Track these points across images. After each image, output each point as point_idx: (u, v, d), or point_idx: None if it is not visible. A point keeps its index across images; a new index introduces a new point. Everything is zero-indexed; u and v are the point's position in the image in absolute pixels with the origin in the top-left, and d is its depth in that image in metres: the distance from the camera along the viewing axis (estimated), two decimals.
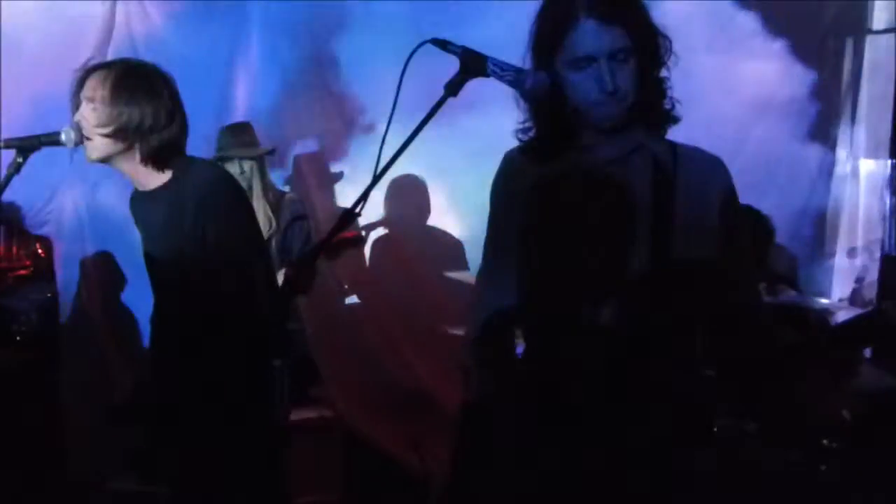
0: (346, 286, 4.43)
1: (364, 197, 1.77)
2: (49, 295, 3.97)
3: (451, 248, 4.38)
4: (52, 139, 2.32)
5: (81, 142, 2.34)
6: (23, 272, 3.93)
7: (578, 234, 1.75)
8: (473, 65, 1.75)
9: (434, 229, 4.45)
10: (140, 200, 2.52)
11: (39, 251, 3.97)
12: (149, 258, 2.54)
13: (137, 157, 2.39)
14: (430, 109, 1.73)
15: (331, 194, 4.44)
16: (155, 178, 2.44)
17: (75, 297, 4.11)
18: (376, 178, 1.75)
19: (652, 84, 1.81)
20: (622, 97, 1.77)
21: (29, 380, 3.77)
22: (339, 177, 4.46)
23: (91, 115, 2.34)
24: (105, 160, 2.42)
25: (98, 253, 4.17)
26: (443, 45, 1.78)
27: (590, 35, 1.75)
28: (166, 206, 2.43)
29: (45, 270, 4.00)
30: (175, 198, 2.41)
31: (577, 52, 1.77)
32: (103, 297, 4.16)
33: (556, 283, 1.77)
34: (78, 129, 2.34)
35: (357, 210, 1.77)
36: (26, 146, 2.26)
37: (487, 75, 1.75)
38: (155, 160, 2.40)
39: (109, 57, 4.07)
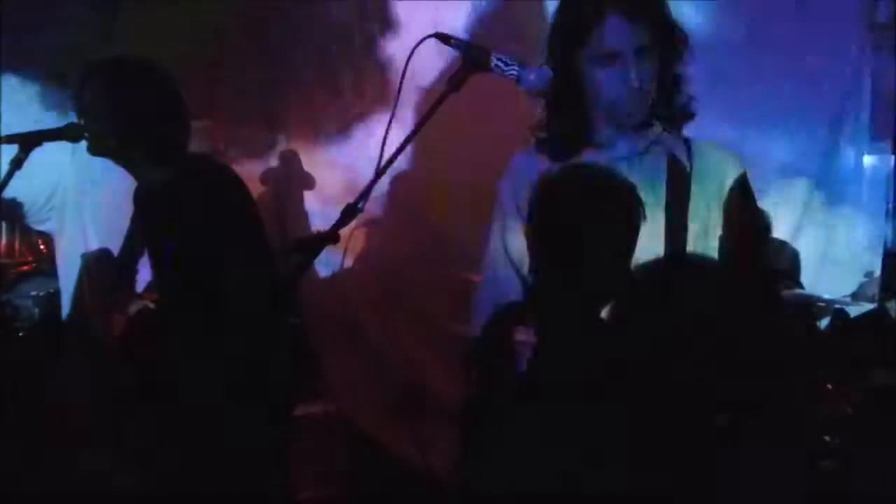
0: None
1: (366, 192, 1.76)
2: (51, 291, 3.97)
3: (454, 245, 4.36)
4: (54, 134, 2.32)
5: (84, 137, 2.34)
6: (25, 268, 3.92)
7: (591, 231, 1.75)
8: (476, 59, 1.75)
9: (437, 225, 4.43)
10: (144, 197, 2.52)
11: (41, 247, 3.97)
12: (152, 255, 2.54)
13: (140, 153, 2.39)
14: (433, 104, 1.73)
15: (301, 194, 4.47)
16: (158, 175, 2.44)
17: (74, 294, 4.11)
18: (379, 174, 1.75)
19: (670, 80, 1.81)
20: (646, 93, 1.77)
21: (31, 375, 3.77)
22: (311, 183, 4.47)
23: (93, 110, 2.34)
24: (107, 156, 2.41)
25: (99, 250, 4.16)
26: (445, 39, 1.77)
27: (616, 30, 1.75)
28: (170, 204, 2.42)
29: (47, 266, 4.00)
30: (178, 195, 2.41)
31: (603, 47, 1.76)
32: (104, 294, 4.15)
33: (566, 279, 1.77)
34: (80, 124, 2.34)
35: (359, 206, 1.77)
36: (28, 142, 2.26)
37: (490, 70, 1.75)
38: (158, 156, 2.40)
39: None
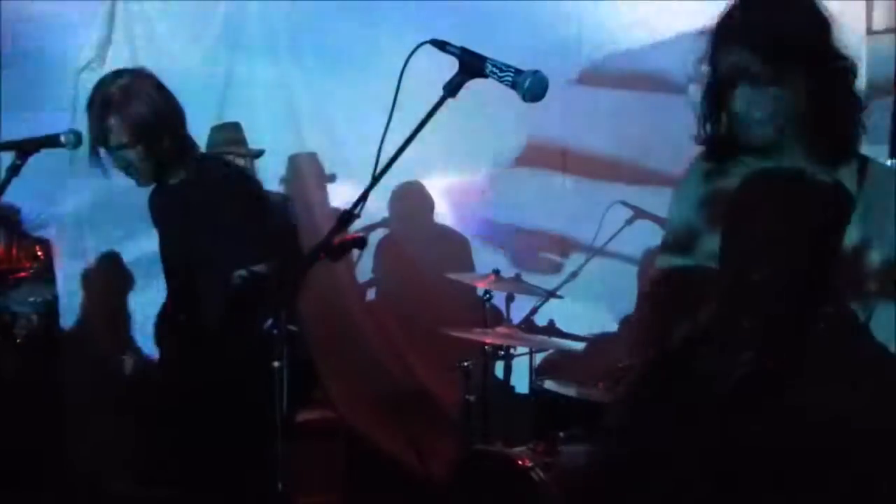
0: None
1: (363, 197, 1.77)
2: (49, 297, 3.96)
3: (455, 248, 4.35)
4: (51, 141, 2.33)
5: (80, 144, 2.36)
6: (23, 274, 3.91)
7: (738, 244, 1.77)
8: (472, 65, 1.75)
9: (438, 228, 4.42)
10: (158, 198, 2.56)
11: (39, 253, 3.96)
12: (164, 254, 2.56)
13: (164, 154, 2.44)
14: (430, 110, 1.73)
15: (326, 194, 4.44)
16: (176, 176, 2.50)
17: (83, 300, 4.14)
18: (376, 179, 1.76)
19: (814, 113, 1.79)
20: (765, 122, 1.77)
21: (29, 382, 3.76)
22: (331, 178, 4.43)
23: (114, 118, 2.39)
24: (130, 165, 2.46)
25: (105, 253, 4.19)
26: (441, 45, 1.78)
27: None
28: (182, 204, 2.47)
29: (45, 272, 4.00)
30: (191, 195, 2.46)
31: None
32: (110, 297, 4.17)
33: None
34: (77, 132, 2.36)
35: (356, 211, 1.77)
36: (26, 148, 2.27)
37: (486, 76, 1.75)
38: (179, 156, 2.45)
39: (109, 58, 4.09)
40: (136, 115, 2.41)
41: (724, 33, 1.80)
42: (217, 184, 2.47)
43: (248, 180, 2.56)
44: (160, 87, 2.50)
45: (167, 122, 2.46)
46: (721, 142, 1.87)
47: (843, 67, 1.80)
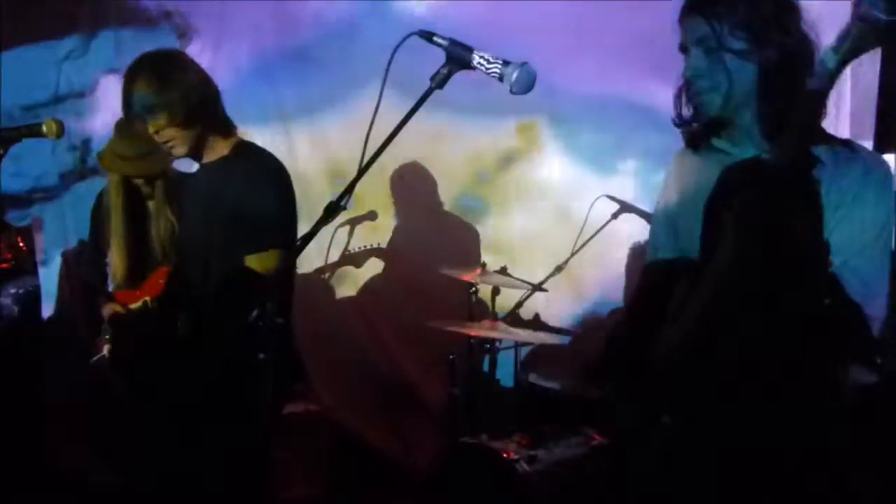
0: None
1: (350, 189, 1.76)
2: (31, 288, 3.94)
3: (462, 240, 4.30)
4: (33, 131, 2.31)
5: (63, 133, 2.34)
6: (4, 265, 3.89)
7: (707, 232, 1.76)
8: (459, 57, 1.75)
9: (445, 218, 4.36)
10: (195, 174, 2.56)
11: (21, 244, 3.94)
12: (186, 231, 2.56)
13: (186, 122, 2.46)
14: (417, 102, 1.73)
15: None
16: (208, 154, 2.55)
17: (58, 290, 4.10)
18: (362, 171, 1.75)
19: (767, 89, 1.76)
20: (712, 89, 1.77)
21: (10, 373, 3.74)
22: None
23: (163, 129, 2.43)
24: (183, 142, 2.50)
25: (77, 247, 4.15)
26: (429, 37, 1.77)
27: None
28: (218, 180, 2.50)
29: (26, 263, 3.97)
30: (228, 173, 2.51)
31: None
32: (84, 291, 4.14)
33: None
34: (59, 121, 2.34)
35: (343, 203, 1.77)
36: (7, 137, 2.25)
37: (473, 68, 1.75)
38: (203, 129, 2.51)
39: (92, 50, 4.06)
40: (164, 73, 2.44)
41: (683, 5, 1.82)
42: (256, 165, 2.51)
43: (283, 167, 2.57)
44: (193, 62, 2.55)
45: (198, 88, 2.49)
46: (692, 130, 1.89)
47: (800, 47, 1.76)
